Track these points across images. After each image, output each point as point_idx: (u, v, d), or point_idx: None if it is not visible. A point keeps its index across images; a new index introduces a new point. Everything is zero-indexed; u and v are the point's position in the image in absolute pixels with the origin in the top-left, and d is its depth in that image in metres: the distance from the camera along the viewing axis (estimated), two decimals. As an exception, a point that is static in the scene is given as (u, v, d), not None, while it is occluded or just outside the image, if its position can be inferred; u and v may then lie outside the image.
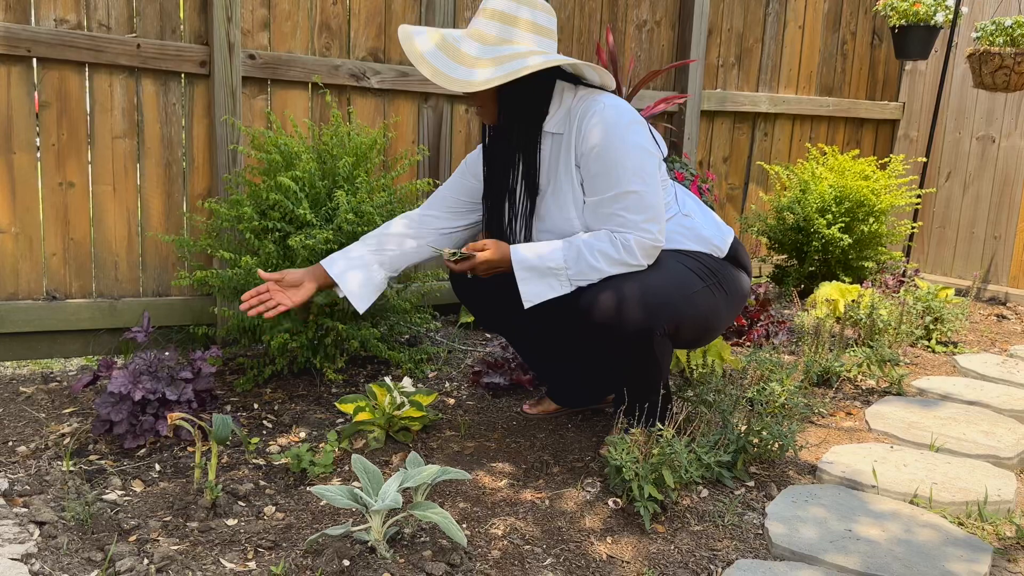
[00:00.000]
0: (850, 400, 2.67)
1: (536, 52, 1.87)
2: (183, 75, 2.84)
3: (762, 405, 2.20)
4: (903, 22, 4.18)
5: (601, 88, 2.02)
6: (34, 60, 2.62)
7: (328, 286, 2.06)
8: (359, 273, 2.05)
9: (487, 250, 1.94)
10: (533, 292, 1.91)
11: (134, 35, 2.75)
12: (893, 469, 2.10)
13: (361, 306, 2.05)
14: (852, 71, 4.67)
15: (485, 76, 1.80)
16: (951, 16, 4.11)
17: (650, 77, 3.43)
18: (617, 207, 1.89)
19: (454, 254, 1.95)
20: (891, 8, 4.19)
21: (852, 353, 2.94)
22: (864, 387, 2.79)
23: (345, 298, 2.08)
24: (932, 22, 4.14)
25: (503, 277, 1.99)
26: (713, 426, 2.10)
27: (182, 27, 2.84)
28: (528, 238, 2.04)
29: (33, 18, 2.61)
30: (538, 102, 1.96)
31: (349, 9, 3.14)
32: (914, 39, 4.23)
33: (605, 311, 1.86)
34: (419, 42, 1.86)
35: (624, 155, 1.88)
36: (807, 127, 4.56)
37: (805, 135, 4.56)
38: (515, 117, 1.96)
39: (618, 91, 2.93)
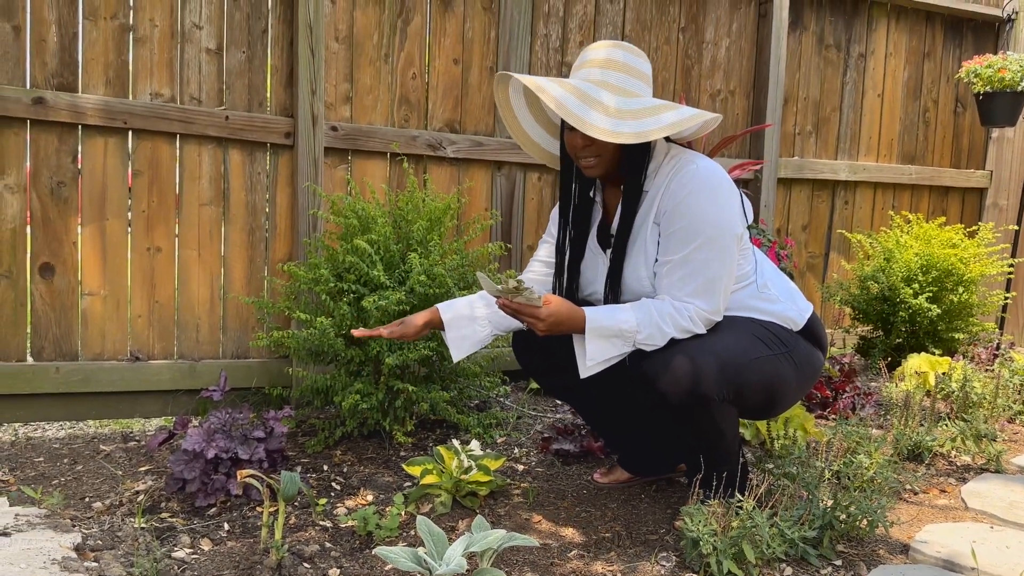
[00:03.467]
0: (944, 476, 2.51)
1: (664, 105, 1.86)
2: (268, 145, 2.96)
3: (849, 479, 2.08)
4: (988, 89, 4.07)
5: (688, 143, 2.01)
6: (129, 132, 2.77)
7: (438, 323, 2.07)
8: (465, 324, 2.06)
9: (552, 304, 1.82)
10: (597, 351, 1.83)
11: (223, 108, 2.88)
12: (995, 550, 1.94)
13: (456, 355, 2.06)
14: (935, 139, 4.55)
15: (630, 128, 1.77)
16: (1039, 81, 3.99)
17: (725, 143, 3.41)
18: (682, 273, 1.85)
19: (517, 287, 1.77)
20: (975, 75, 4.10)
21: (944, 427, 2.78)
22: (959, 463, 2.62)
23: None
24: (1019, 88, 4.02)
25: (563, 338, 1.93)
26: (796, 500, 1.99)
27: (269, 100, 2.97)
28: (615, 295, 1.99)
29: (131, 93, 2.76)
30: (645, 158, 1.93)
31: (427, 83, 3.24)
32: (1000, 106, 4.11)
33: (661, 376, 1.81)
34: (551, 90, 1.82)
35: (705, 221, 1.84)
36: (889, 195, 4.44)
37: (887, 203, 4.44)
38: (629, 172, 1.93)
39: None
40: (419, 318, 2.06)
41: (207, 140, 2.87)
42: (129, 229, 2.82)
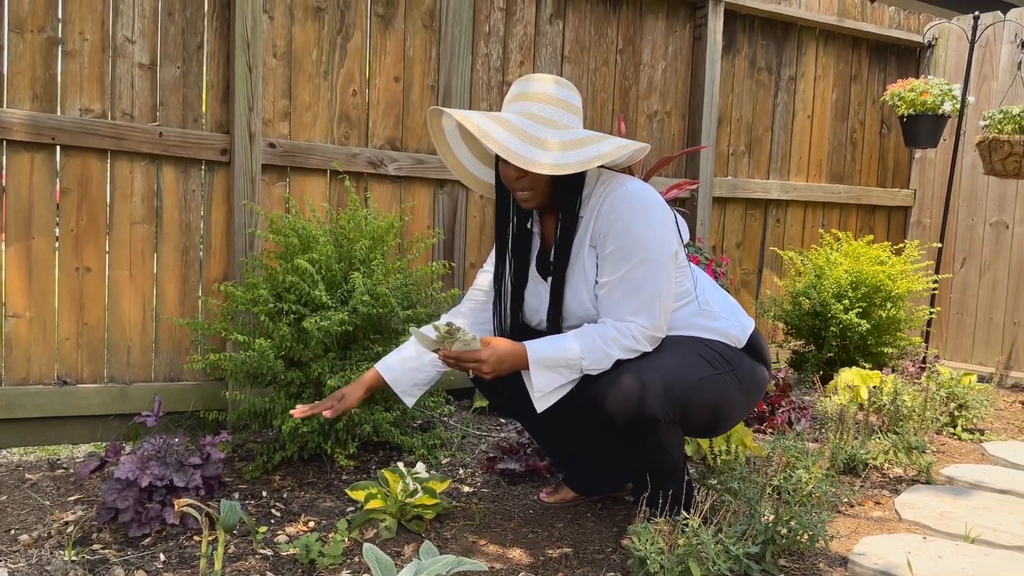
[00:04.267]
0: (878, 489, 2.58)
1: (597, 136, 1.88)
2: (204, 162, 2.89)
3: (789, 493, 2.13)
4: (911, 111, 4.23)
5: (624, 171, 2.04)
6: (57, 148, 2.67)
7: (380, 386, 2.07)
8: (410, 375, 2.06)
9: (492, 343, 1.83)
10: (544, 382, 1.84)
11: (157, 124, 2.81)
12: (929, 561, 2.00)
13: (410, 403, 2.08)
14: (862, 159, 4.72)
15: (574, 159, 1.80)
16: (958, 105, 4.17)
17: (662, 164, 3.46)
18: (621, 292, 1.87)
19: (449, 330, 1.78)
20: (899, 98, 4.26)
21: (877, 440, 2.86)
22: (891, 475, 2.70)
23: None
24: (940, 111, 4.19)
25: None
26: (739, 515, 2.02)
27: (204, 116, 2.90)
28: (557, 323, 2.00)
29: (59, 108, 2.67)
30: (579, 186, 1.95)
31: (368, 101, 3.21)
32: (923, 128, 4.28)
33: (607, 397, 1.82)
34: (496, 134, 1.82)
35: (638, 241, 1.86)
36: (819, 213, 4.58)
37: (818, 221, 4.58)
38: (564, 201, 1.95)
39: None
40: (358, 388, 2.04)
41: (139, 157, 2.79)
42: (57, 248, 2.72)
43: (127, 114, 2.77)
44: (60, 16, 2.65)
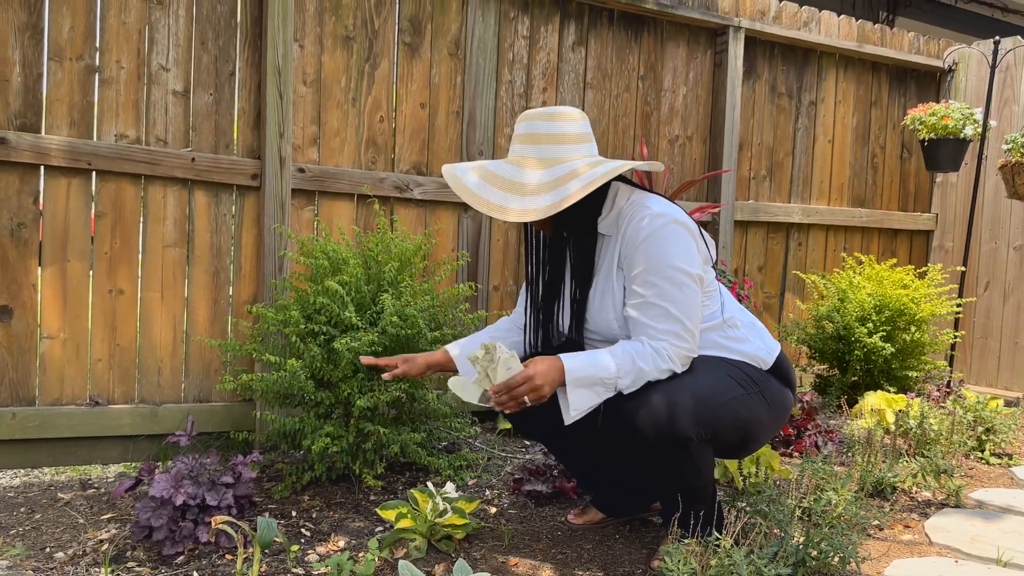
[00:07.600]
0: (907, 512, 2.56)
1: (582, 169, 1.88)
2: (235, 187, 2.95)
3: (819, 515, 2.12)
4: (932, 136, 4.24)
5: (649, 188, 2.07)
6: (93, 173, 2.73)
7: (445, 365, 2.14)
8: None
9: (538, 363, 1.82)
10: (580, 400, 1.84)
11: (190, 149, 2.87)
12: (962, 585, 1.99)
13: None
14: (883, 183, 4.72)
15: (540, 204, 1.82)
16: (980, 129, 4.18)
17: (684, 187, 3.49)
18: (653, 313, 1.88)
19: (487, 351, 1.79)
20: (919, 122, 4.27)
21: (905, 464, 2.85)
22: (920, 499, 2.68)
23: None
24: (961, 135, 4.20)
25: None
26: (770, 537, 2.01)
27: (235, 142, 2.96)
28: (580, 336, 2.03)
29: (95, 134, 2.74)
30: (594, 205, 1.98)
31: (395, 127, 3.27)
32: (944, 152, 4.29)
33: (640, 416, 1.83)
34: (467, 179, 1.92)
35: (661, 264, 1.88)
36: (841, 237, 4.58)
37: (839, 245, 4.58)
38: (573, 226, 1.99)
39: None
40: (424, 358, 2.12)
41: (172, 182, 2.85)
42: (91, 271, 2.77)
43: (161, 140, 2.83)
44: (98, 45, 2.73)
